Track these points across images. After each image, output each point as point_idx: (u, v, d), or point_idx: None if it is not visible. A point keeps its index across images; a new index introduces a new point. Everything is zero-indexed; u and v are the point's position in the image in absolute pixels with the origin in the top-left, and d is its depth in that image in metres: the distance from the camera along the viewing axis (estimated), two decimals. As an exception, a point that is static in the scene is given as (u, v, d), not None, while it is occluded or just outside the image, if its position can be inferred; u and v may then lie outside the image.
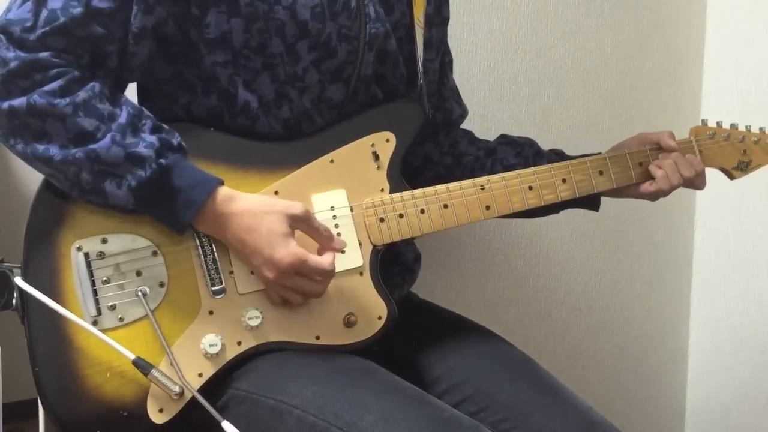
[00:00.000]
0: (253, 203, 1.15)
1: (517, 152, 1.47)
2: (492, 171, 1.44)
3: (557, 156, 1.46)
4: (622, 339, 2.16)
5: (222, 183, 1.14)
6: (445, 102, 1.48)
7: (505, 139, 1.51)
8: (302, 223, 1.15)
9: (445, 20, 1.44)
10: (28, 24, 1.09)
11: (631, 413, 2.20)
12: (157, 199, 1.12)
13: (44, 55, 1.09)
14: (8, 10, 1.12)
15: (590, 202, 1.44)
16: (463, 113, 1.52)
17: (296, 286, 1.16)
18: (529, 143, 1.49)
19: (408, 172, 1.45)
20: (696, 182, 1.42)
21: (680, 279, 2.23)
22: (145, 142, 1.10)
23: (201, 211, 1.13)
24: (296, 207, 1.15)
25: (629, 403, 2.20)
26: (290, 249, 1.13)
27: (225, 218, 1.13)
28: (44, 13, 1.10)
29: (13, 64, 1.08)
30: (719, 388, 2.21)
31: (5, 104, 1.09)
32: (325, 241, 1.17)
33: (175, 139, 1.14)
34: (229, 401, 1.16)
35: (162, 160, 1.10)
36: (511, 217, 1.36)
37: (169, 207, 1.13)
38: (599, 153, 1.42)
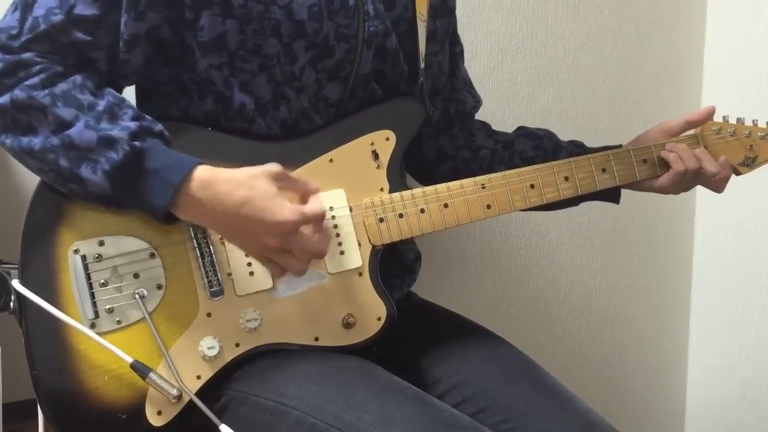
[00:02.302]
0: (235, 175, 1.10)
1: (536, 144, 1.46)
2: (511, 164, 1.43)
3: (577, 148, 1.44)
4: (622, 339, 2.16)
5: (201, 163, 1.10)
6: (457, 93, 1.48)
7: (523, 131, 1.49)
8: (283, 179, 1.11)
9: (452, 10, 1.43)
10: (14, 32, 1.11)
11: (631, 413, 2.20)
12: (132, 182, 1.09)
13: (28, 55, 1.10)
14: (2, 19, 1.13)
15: (610, 194, 1.42)
16: (477, 104, 1.51)
17: (301, 246, 1.11)
18: (548, 135, 1.47)
19: (424, 166, 1.46)
20: (719, 182, 1.39)
21: (680, 279, 2.22)
22: (121, 126, 1.09)
23: (180, 193, 1.09)
24: (274, 165, 1.11)
25: (629, 404, 2.20)
26: (289, 207, 1.08)
27: (213, 199, 1.09)
28: (29, 21, 1.11)
29: None
30: (719, 388, 2.21)
31: None
32: (303, 187, 1.14)
33: (157, 127, 1.12)
34: (229, 403, 1.16)
35: (136, 143, 1.08)
36: (530, 210, 1.35)
37: (145, 191, 1.09)
38: (620, 145, 1.40)
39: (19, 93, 1.09)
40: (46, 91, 1.09)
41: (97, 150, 1.08)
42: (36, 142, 1.09)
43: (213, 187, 1.09)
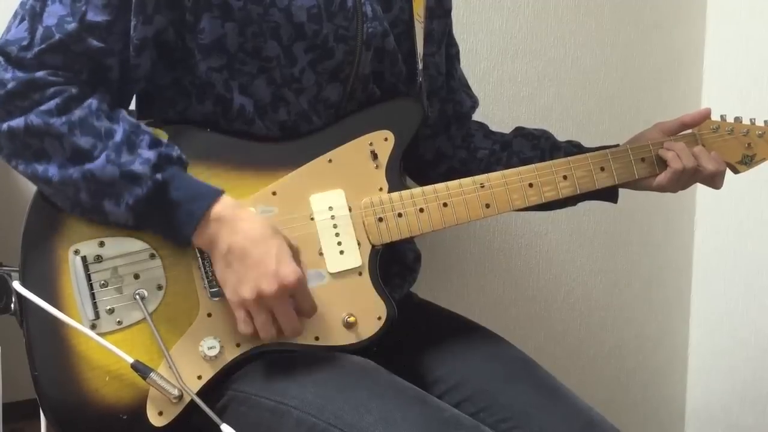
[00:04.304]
0: (260, 221, 1.13)
1: (534, 145, 1.46)
2: (509, 164, 1.44)
3: (574, 148, 1.44)
4: (622, 339, 2.16)
5: (222, 193, 1.13)
6: (454, 94, 1.48)
7: (520, 132, 1.49)
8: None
9: (447, 12, 1.43)
10: (25, 43, 1.09)
11: (631, 413, 2.20)
12: (157, 214, 1.11)
13: (41, 74, 1.09)
14: (8, 30, 1.12)
15: (608, 194, 1.42)
16: (474, 104, 1.52)
17: (284, 311, 1.13)
18: (546, 135, 1.48)
19: (421, 167, 1.46)
20: (715, 178, 1.39)
21: (680, 279, 2.22)
22: (141, 159, 1.09)
23: (202, 222, 1.11)
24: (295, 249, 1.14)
25: (629, 403, 2.20)
26: (297, 267, 1.11)
27: (231, 225, 1.11)
28: (40, 31, 1.10)
29: (10, 85, 1.08)
30: (719, 388, 2.21)
31: (5, 125, 1.09)
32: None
33: (175, 152, 1.13)
34: (229, 403, 1.16)
35: (158, 176, 1.09)
36: (528, 210, 1.35)
37: (169, 222, 1.12)
38: (617, 145, 1.41)
39: (34, 119, 1.08)
40: (63, 119, 1.09)
41: (119, 185, 1.09)
42: (53, 172, 1.09)
43: (236, 219, 1.11)
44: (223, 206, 1.12)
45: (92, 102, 1.11)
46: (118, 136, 1.10)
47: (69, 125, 1.09)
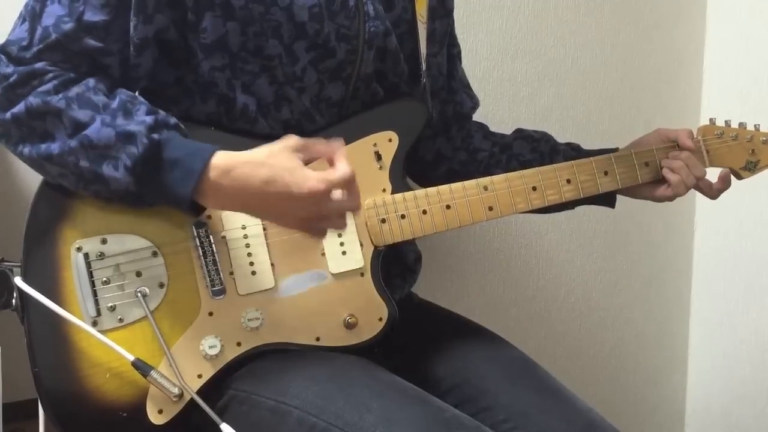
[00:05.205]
0: (255, 155, 1.08)
1: (533, 147, 1.46)
2: (508, 167, 1.44)
3: (573, 151, 1.44)
4: (622, 339, 2.17)
5: (219, 149, 1.09)
6: (455, 95, 1.48)
7: (520, 134, 1.49)
8: (303, 149, 1.10)
9: (449, 12, 1.43)
10: (24, 43, 1.10)
11: (631, 413, 2.20)
12: (155, 175, 1.08)
13: (40, 64, 1.10)
14: (12, 31, 1.13)
15: (606, 198, 1.42)
16: (475, 105, 1.52)
17: (335, 209, 1.10)
18: (545, 138, 1.48)
19: (421, 168, 1.46)
20: (715, 193, 1.42)
21: (680, 279, 2.22)
22: (137, 121, 1.08)
23: (202, 180, 1.07)
24: (291, 138, 1.09)
25: (629, 404, 2.20)
26: (314, 177, 1.06)
27: (237, 183, 1.07)
28: (38, 31, 1.10)
29: (12, 78, 1.09)
30: (719, 388, 2.21)
31: (8, 114, 1.09)
32: (326, 151, 1.11)
33: (172, 120, 1.12)
34: (230, 402, 1.16)
35: (154, 135, 1.08)
36: (525, 212, 1.35)
37: (168, 182, 1.08)
38: (616, 148, 1.41)
39: (33, 99, 1.09)
40: (60, 95, 1.09)
41: (116, 146, 1.07)
42: (54, 147, 1.09)
43: (235, 171, 1.07)
44: (219, 161, 1.07)
45: (89, 80, 1.11)
46: (115, 105, 1.10)
47: (67, 100, 1.09)
